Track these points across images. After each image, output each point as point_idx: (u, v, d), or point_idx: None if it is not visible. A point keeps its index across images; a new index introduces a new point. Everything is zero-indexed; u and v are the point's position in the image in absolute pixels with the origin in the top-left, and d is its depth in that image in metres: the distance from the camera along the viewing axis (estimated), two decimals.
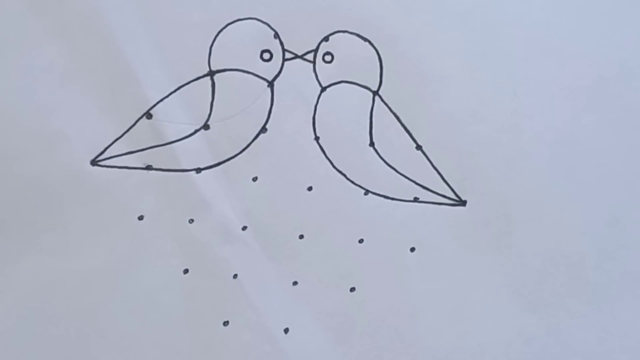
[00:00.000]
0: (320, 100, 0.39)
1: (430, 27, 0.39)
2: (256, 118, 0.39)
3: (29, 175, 0.37)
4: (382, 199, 0.40)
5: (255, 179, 0.39)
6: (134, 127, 0.38)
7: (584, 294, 0.41)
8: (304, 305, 0.40)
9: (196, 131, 0.39)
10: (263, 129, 0.39)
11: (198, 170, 0.39)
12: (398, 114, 0.40)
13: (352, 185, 0.40)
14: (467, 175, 0.40)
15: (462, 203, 0.40)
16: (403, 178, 0.40)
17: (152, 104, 0.38)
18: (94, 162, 0.38)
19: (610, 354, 0.41)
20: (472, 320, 0.41)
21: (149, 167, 0.39)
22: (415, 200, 0.40)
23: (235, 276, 0.40)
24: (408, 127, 0.40)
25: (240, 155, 0.39)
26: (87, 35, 0.37)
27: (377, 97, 0.39)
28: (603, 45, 0.40)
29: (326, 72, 0.39)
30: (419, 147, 0.40)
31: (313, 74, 0.39)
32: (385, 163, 0.40)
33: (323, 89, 0.39)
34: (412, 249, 0.41)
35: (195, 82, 0.38)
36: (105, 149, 0.38)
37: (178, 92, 0.38)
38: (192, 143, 0.39)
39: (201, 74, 0.38)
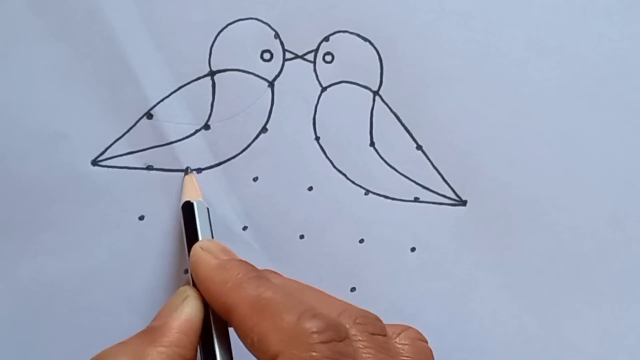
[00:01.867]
0: (320, 100, 0.39)
1: (430, 27, 0.39)
2: (257, 118, 0.39)
3: (30, 175, 0.37)
4: (382, 199, 0.40)
5: (255, 179, 0.39)
6: (134, 127, 0.38)
7: (585, 294, 0.41)
8: None
9: (197, 131, 0.39)
10: (263, 129, 0.39)
11: (199, 170, 0.39)
12: (398, 114, 0.40)
13: (353, 185, 0.40)
14: (467, 175, 0.40)
15: (463, 203, 0.40)
16: (403, 178, 0.40)
17: (152, 104, 0.38)
18: (94, 162, 0.38)
19: (611, 354, 0.41)
20: (473, 319, 0.41)
21: (149, 167, 0.39)
22: (416, 200, 0.40)
23: None
24: (408, 127, 0.40)
25: (240, 155, 0.39)
26: (88, 36, 0.37)
27: (377, 97, 0.39)
28: (603, 45, 0.40)
29: (326, 72, 0.39)
30: (419, 147, 0.40)
31: (313, 74, 0.39)
32: (385, 163, 0.40)
33: (323, 89, 0.39)
34: (413, 249, 0.41)
35: (195, 82, 0.38)
36: (106, 149, 0.38)
37: (178, 92, 0.38)
38: (193, 143, 0.39)
39: (202, 74, 0.38)
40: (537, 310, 0.41)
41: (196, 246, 0.34)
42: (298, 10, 0.38)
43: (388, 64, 0.39)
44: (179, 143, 0.39)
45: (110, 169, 0.38)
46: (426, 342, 0.33)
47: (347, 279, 0.40)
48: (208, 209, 0.37)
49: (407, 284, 0.41)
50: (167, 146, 0.39)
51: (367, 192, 0.40)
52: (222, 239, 0.39)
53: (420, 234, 0.40)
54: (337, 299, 0.33)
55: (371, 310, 0.39)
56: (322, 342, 0.28)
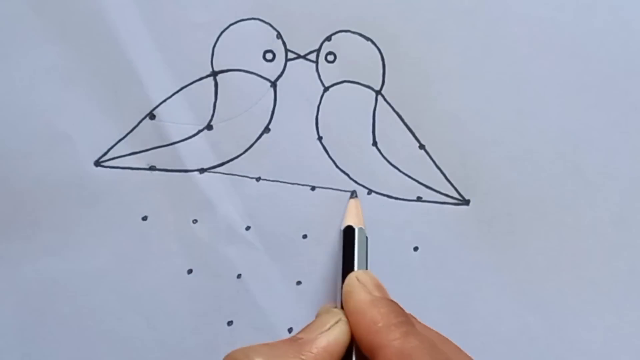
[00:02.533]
0: (323, 100, 0.39)
1: (433, 26, 0.39)
2: (259, 118, 0.39)
3: (33, 176, 0.38)
4: (385, 198, 0.40)
5: (258, 179, 0.39)
6: (137, 128, 0.38)
7: (588, 293, 0.41)
8: (307, 305, 0.40)
9: (199, 131, 0.39)
10: (266, 129, 0.39)
11: (201, 170, 0.39)
12: (401, 113, 0.40)
13: (356, 184, 0.40)
14: (470, 175, 0.40)
15: (466, 202, 0.40)
16: (406, 177, 0.40)
17: (155, 105, 0.38)
18: (97, 163, 0.38)
19: (615, 353, 0.41)
20: (476, 319, 0.41)
21: (152, 168, 0.39)
22: (419, 199, 0.40)
23: (239, 276, 0.40)
24: (411, 127, 0.40)
25: (243, 156, 0.39)
26: (90, 37, 0.37)
27: (379, 97, 0.39)
28: (608, 43, 0.40)
29: (329, 72, 0.39)
30: (422, 147, 0.40)
31: (316, 74, 0.39)
32: (388, 162, 0.40)
33: (326, 89, 0.39)
34: (416, 248, 0.40)
35: (198, 83, 0.38)
36: (109, 149, 0.38)
37: (181, 92, 0.38)
38: (195, 143, 0.39)
39: (204, 75, 0.38)
40: (540, 310, 0.41)
41: (352, 276, 0.35)
42: (300, 10, 0.38)
43: (390, 63, 0.39)
44: (181, 143, 0.39)
45: (113, 170, 0.38)
46: None
47: None
48: (367, 238, 0.38)
49: (410, 283, 0.41)
50: (170, 147, 0.39)
51: (370, 191, 0.40)
52: (225, 239, 0.40)
53: (423, 234, 0.40)
54: (471, 358, 0.34)
55: None
56: None
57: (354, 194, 0.39)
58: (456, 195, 0.40)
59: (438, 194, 0.40)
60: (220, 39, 0.38)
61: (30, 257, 0.38)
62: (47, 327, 0.39)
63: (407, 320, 0.33)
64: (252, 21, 0.38)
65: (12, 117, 0.37)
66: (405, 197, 0.40)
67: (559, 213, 0.41)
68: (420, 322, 0.35)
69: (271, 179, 0.39)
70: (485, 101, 0.40)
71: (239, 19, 0.38)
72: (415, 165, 0.40)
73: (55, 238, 0.38)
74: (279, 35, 0.39)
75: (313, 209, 0.40)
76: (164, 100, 0.38)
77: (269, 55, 0.39)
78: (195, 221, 0.39)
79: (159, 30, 0.38)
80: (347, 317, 0.33)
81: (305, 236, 0.40)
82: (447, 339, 0.35)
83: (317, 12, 0.39)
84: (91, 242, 0.38)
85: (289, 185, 0.40)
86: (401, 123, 0.40)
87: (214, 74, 0.38)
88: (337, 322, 0.33)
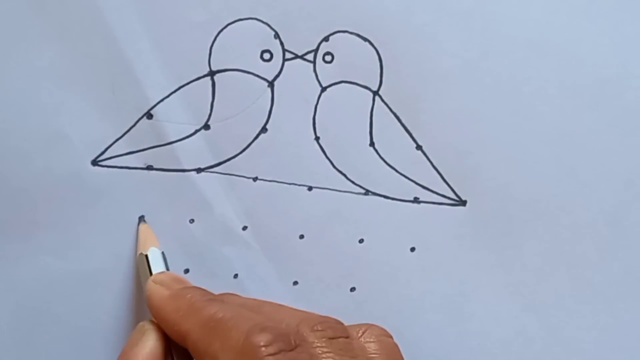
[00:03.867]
0: (320, 100, 0.39)
1: (430, 27, 0.39)
2: (256, 118, 0.39)
3: (30, 175, 0.37)
4: (382, 199, 0.40)
5: (255, 179, 0.39)
6: (134, 127, 0.38)
7: (584, 294, 0.41)
8: (304, 305, 0.40)
9: (197, 131, 0.39)
10: (263, 129, 0.39)
11: (198, 170, 0.39)
12: (398, 114, 0.40)
13: (353, 185, 0.40)
14: (467, 175, 0.40)
15: (462, 203, 0.40)
16: (403, 178, 0.40)
17: (152, 104, 0.38)
18: (94, 162, 0.38)
19: (610, 354, 0.41)
20: (472, 320, 0.41)
21: (149, 167, 0.39)
22: (416, 200, 0.40)
23: (235, 276, 0.40)
24: (408, 127, 0.40)
25: (240, 156, 0.39)
26: (88, 36, 0.37)
27: (377, 97, 0.39)
28: (604, 45, 0.40)
29: (326, 72, 0.39)
30: (419, 147, 0.40)
31: (313, 74, 0.39)
32: (385, 163, 0.40)
33: (323, 89, 0.39)
34: (412, 249, 0.41)
35: (195, 82, 0.38)
36: (106, 149, 0.38)
37: (178, 92, 0.38)
38: (193, 143, 0.39)
39: (201, 74, 0.38)
40: (536, 311, 0.41)
41: (149, 280, 0.34)
42: (298, 10, 0.38)
43: (388, 63, 0.39)
44: (179, 143, 0.39)
45: (110, 169, 0.38)
46: (391, 337, 0.32)
47: (346, 279, 0.40)
48: (163, 252, 0.37)
49: (406, 284, 0.41)
50: (167, 146, 0.39)
51: (367, 192, 0.40)
52: (222, 239, 0.39)
53: (420, 234, 0.40)
54: (297, 310, 0.32)
55: (371, 310, 0.40)
56: (270, 354, 0.27)
57: (142, 219, 0.38)
58: (453, 196, 0.40)
59: (435, 195, 0.40)
60: (217, 38, 0.38)
61: (27, 256, 0.38)
62: (43, 326, 0.38)
63: (212, 299, 0.31)
64: (250, 21, 0.38)
65: (9, 116, 0.37)
66: (402, 198, 0.40)
67: (554, 214, 0.41)
68: (240, 297, 0.34)
69: (268, 179, 0.40)
70: (482, 102, 0.40)
71: (236, 18, 0.38)
72: (412, 166, 0.40)
73: (52, 237, 0.38)
74: (277, 35, 0.39)
75: (310, 209, 0.40)
76: (162, 100, 0.38)
77: (266, 55, 0.39)
78: (192, 221, 0.39)
79: (156, 29, 0.38)
80: (155, 324, 0.32)
81: (302, 236, 0.40)
82: (268, 302, 0.33)
83: (315, 12, 0.39)
84: (88, 241, 0.38)
85: (286, 185, 0.40)
86: (398, 124, 0.40)
87: (212, 73, 0.38)
88: (145, 333, 0.32)
